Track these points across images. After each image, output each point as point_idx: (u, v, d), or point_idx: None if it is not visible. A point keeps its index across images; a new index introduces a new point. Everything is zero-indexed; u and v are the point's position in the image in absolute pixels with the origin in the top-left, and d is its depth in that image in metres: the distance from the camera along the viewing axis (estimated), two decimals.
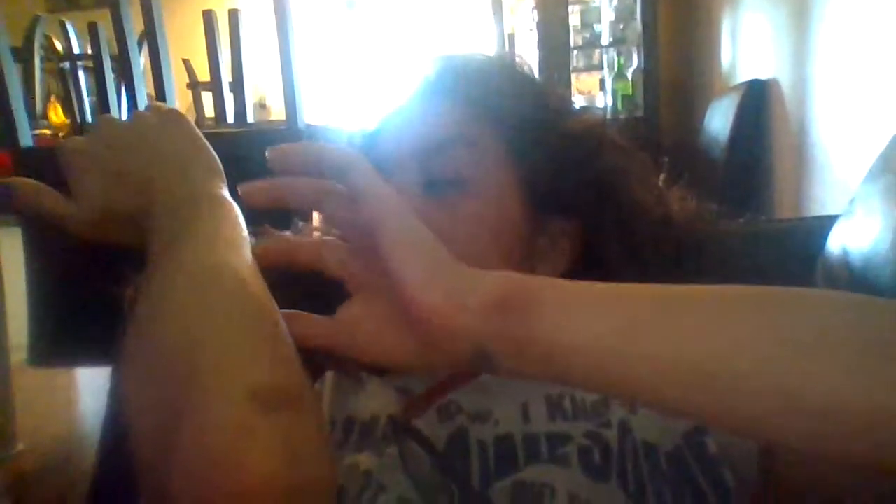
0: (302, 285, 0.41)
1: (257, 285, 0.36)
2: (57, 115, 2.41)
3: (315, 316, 0.37)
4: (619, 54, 3.08)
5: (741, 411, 0.28)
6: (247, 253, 0.38)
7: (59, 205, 0.45)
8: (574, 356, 0.30)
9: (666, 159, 0.68)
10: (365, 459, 0.46)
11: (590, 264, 0.56)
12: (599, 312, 0.31)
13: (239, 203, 0.41)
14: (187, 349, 0.32)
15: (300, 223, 0.66)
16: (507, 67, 0.63)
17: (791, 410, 0.27)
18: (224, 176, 0.45)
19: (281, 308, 0.36)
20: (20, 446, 1.93)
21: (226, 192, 0.43)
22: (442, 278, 0.33)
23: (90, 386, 2.46)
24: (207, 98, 2.77)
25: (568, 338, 0.30)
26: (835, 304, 0.31)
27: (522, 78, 0.63)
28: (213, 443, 0.29)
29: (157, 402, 0.32)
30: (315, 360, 0.36)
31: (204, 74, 2.44)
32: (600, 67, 3.30)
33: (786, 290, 0.30)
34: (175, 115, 0.47)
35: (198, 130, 0.46)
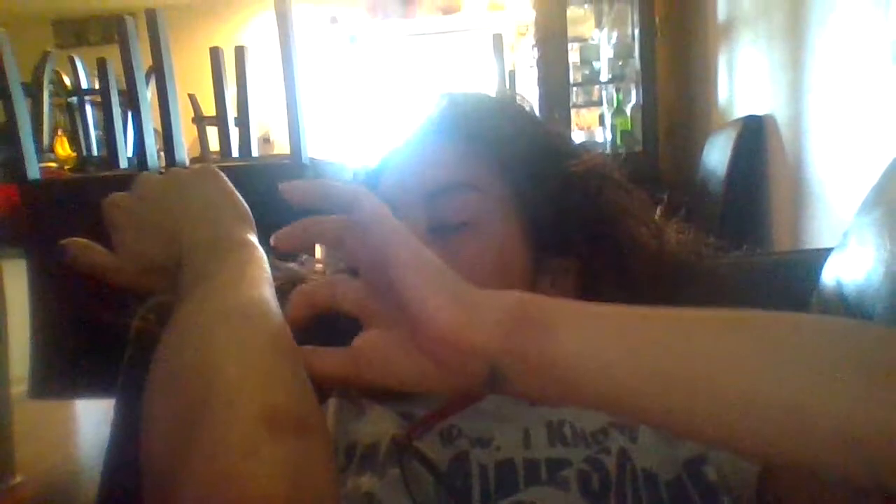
0: (320, 323, 0.41)
1: (276, 320, 0.37)
2: (63, 148, 2.44)
3: (332, 349, 0.38)
4: (617, 90, 3.12)
5: (752, 431, 0.29)
6: (268, 291, 0.39)
7: (104, 259, 0.47)
8: (588, 375, 0.31)
9: (666, 194, 0.69)
10: (367, 482, 0.46)
11: (587, 299, 0.56)
12: (613, 333, 0.32)
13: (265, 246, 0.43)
14: (203, 371, 0.33)
15: (304, 256, 0.67)
16: (510, 109, 0.64)
17: (801, 430, 0.28)
18: (253, 223, 0.46)
19: (300, 344, 0.37)
20: (19, 478, 1.91)
21: (253, 238, 0.44)
22: (454, 298, 0.34)
23: (90, 419, 2.45)
24: (212, 132, 2.80)
25: (582, 357, 0.31)
26: (843, 329, 0.32)
27: (527, 119, 0.64)
28: (222, 462, 0.29)
29: (172, 416, 0.33)
30: (318, 386, 0.37)
31: (209, 109, 2.47)
32: (599, 103, 3.34)
33: (793, 315, 0.31)
34: (207, 169, 0.49)
35: (228, 182, 0.49)
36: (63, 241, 0.47)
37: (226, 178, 0.49)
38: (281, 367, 0.35)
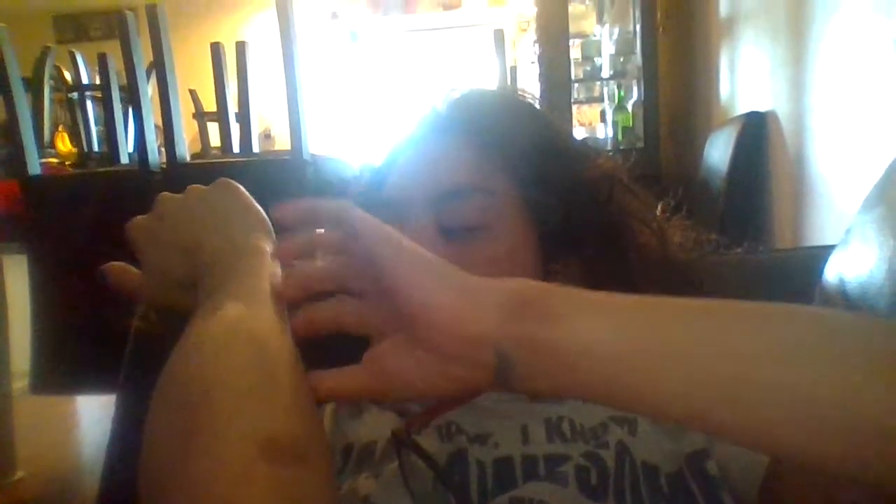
0: (327, 343, 0.42)
1: (282, 341, 0.37)
2: (64, 144, 2.44)
3: (346, 368, 0.38)
4: (619, 87, 3.12)
5: (761, 422, 0.28)
6: (278, 308, 0.39)
7: (135, 279, 0.49)
8: (596, 363, 0.31)
9: (670, 193, 0.69)
10: (363, 483, 0.46)
11: None
12: (621, 321, 0.31)
13: None
14: (202, 393, 0.33)
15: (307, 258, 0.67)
16: (520, 108, 0.64)
17: (810, 422, 0.27)
18: (271, 231, 0.47)
19: (311, 365, 0.38)
20: (20, 473, 1.92)
21: (267, 246, 0.45)
22: (454, 287, 0.33)
23: (91, 414, 2.45)
24: (213, 128, 2.80)
25: (590, 345, 0.31)
26: (852, 322, 0.32)
27: (537, 119, 0.63)
28: (216, 488, 0.29)
29: (171, 434, 0.32)
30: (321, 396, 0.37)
31: (210, 105, 2.47)
32: (601, 99, 3.34)
33: (802, 307, 0.31)
34: (224, 183, 0.50)
35: (246, 193, 0.50)
36: (102, 266, 0.49)
37: (243, 190, 0.50)
38: (282, 392, 0.34)
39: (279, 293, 0.40)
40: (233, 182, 0.50)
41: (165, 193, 0.50)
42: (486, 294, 0.33)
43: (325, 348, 0.39)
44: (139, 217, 0.50)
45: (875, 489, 0.30)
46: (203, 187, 0.50)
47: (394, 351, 0.36)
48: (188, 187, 0.50)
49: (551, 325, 0.31)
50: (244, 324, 0.37)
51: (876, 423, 0.27)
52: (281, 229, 0.45)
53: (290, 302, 0.40)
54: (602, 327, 0.31)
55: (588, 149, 0.65)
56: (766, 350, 0.29)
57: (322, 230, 0.44)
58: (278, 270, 0.43)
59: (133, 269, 0.49)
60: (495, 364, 0.32)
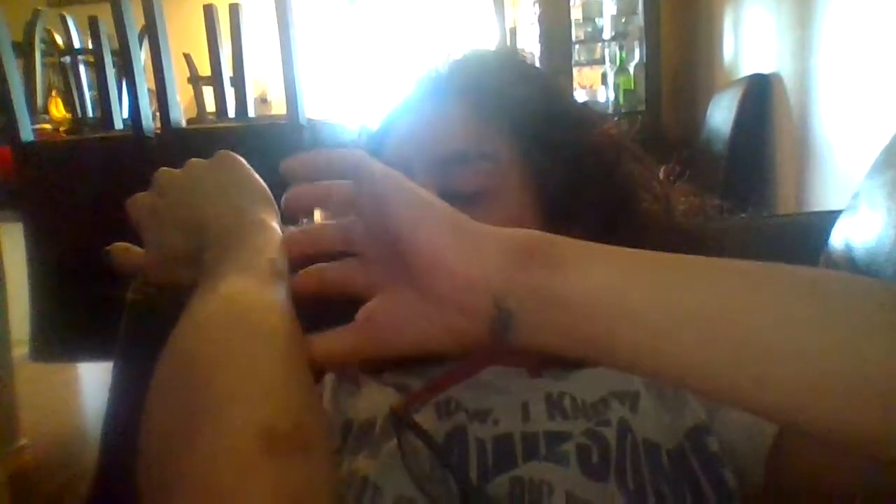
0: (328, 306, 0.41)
1: (283, 318, 0.36)
2: (58, 109, 2.41)
3: (333, 330, 0.37)
4: (620, 48, 3.08)
5: (772, 382, 0.28)
6: (280, 284, 0.39)
7: (139, 258, 0.48)
8: (601, 311, 0.30)
9: (673, 157, 0.68)
10: (363, 464, 0.45)
11: None
12: (626, 274, 0.31)
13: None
14: (205, 369, 0.32)
15: (304, 220, 0.67)
16: (522, 70, 0.62)
17: (822, 385, 0.27)
18: (273, 203, 0.46)
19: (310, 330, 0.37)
20: (22, 441, 1.94)
21: (270, 218, 0.44)
22: (456, 231, 0.33)
23: (92, 381, 2.47)
24: (209, 92, 2.76)
25: (596, 293, 0.30)
26: (867, 285, 0.31)
27: (540, 83, 0.61)
28: (217, 478, 0.28)
29: (172, 417, 0.32)
30: (318, 367, 0.36)
31: (205, 69, 2.43)
32: (602, 62, 3.29)
33: (816, 269, 0.31)
34: (225, 155, 0.49)
35: (247, 166, 0.49)
36: (106, 248, 0.49)
37: (244, 162, 0.49)
38: (283, 379, 0.33)
39: (288, 246, 0.40)
40: (233, 154, 0.49)
41: (165, 168, 0.49)
42: (490, 241, 0.32)
43: (327, 319, 0.39)
44: (139, 194, 0.49)
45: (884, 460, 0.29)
46: (203, 161, 0.49)
47: (390, 303, 0.35)
48: (188, 161, 0.49)
49: (557, 275, 0.31)
50: (245, 302, 0.36)
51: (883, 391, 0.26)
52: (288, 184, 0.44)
53: (295, 260, 0.40)
54: (611, 280, 0.30)
55: (594, 114, 0.64)
56: (779, 311, 0.28)
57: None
58: (282, 247, 0.42)
59: (135, 248, 0.48)
60: (493, 315, 0.31)
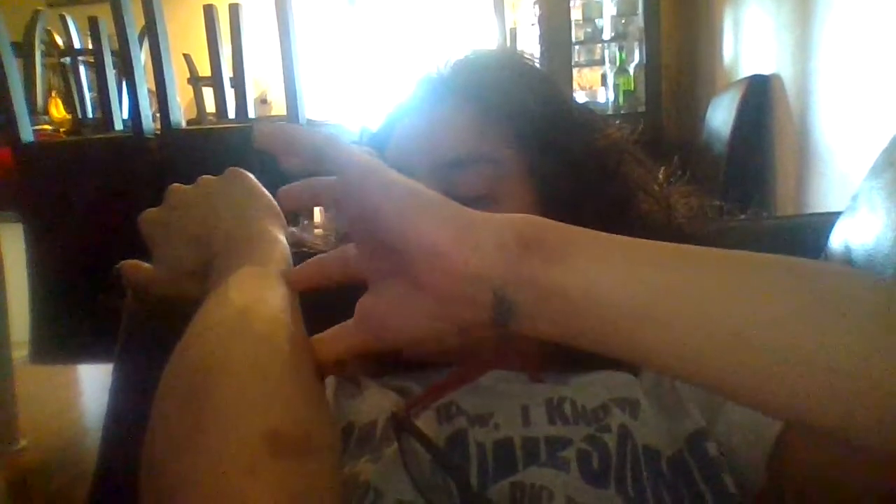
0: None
1: (290, 325, 0.36)
2: (58, 110, 2.41)
3: (332, 328, 0.37)
4: (620, 49, 3.08)
5: (770, 376, 0.28)
6: (285, 291, 0.39)
7: (149, 273, 0.49)
8: (595, 307, 0.30)
9: (674, 159, 0.67)
10: (364, 468, 0.45)
11: None
12: (626, 263, 0.30)
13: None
14: (211, 376, 0.32)
15: (304, 221, 0.67)
16: (525, 72, 0.61)
17: (826, 382, 0.27)
18: (280, 216, 0.47)
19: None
20: (22, 443, 1.94)
21: (276, 230, 0.45)
22: (451, 222, 0.32)
23: (92, 383, 2.47)
24: (208, 93, 2.76)
25: (596, 283, 0.30)
26: (862, 278, 0.31)
27: (543, 85, 0.61)
28: (222, 479, 0.28)
29: (178, 419, 0.32)
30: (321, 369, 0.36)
31: (205, 70, 2.43)
32: (602, 62, 3.29)
33: (812, 261, 0.30)
34: (234, 172, 0.50)
35: (255, 181, 0.50)
36: (117, 266, 0.50)
37: (253, 178, 0.50)
38: (290, 384, 0.33)
39: (294, 286, 0.40)
40: (242, 171, 0.51)
41: (176, 185, 0.51)
42: (486, 231, 0.32)
43: (332, 321, 0.39)
44: (150, 210, 0.50)
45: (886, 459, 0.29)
46: (213, 177, 0.50)
47: (387, 295, 0.35)
48: (199, 178, 0.50)
49: (554, 266, 0.30)
50: (252, 310, 0.36)
51: (887, 390, 0.26)
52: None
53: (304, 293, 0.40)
54: (607, 270, 0.30)
55: (595, 116, 0.64)
56: (782, 303, 0.28)
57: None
58: (288, 255, 0.43)
59: (144, 265, 0.49)
60: (494, 304, 0.31)
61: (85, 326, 1.54)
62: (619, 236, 0.32)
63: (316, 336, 0.37)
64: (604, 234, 0.32)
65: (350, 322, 0.36)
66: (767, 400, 0.29)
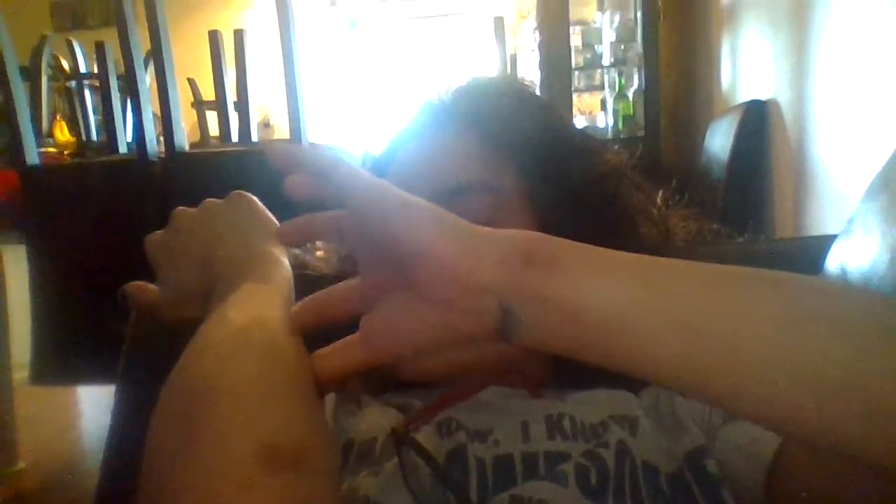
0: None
1: (289, 344, 0.37)
2: (63, 133, 2.43)
3: (333, 345, 0.37)
4: (620, 74, 3.10)
5: (770, 393, 0.28)
6: (286, 310, 0.39)
7: (153, 295, 0.49)
8: (595, 322, 0.30)
9: (673, 183, 0.68)
10: (363, 483, 0.46)
11: None
12: (624, 277, 0.31)
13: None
14: (209, 395, 0.33)
15: (308, 244, 0.67)
16: (525, 99, 0.62)
17: (822, 396, 0.27)
18: None
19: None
20: (21, 464, 1.92)
21: (278, 251, 0.46)
22: (454, 236, 0.33)
23: (92, 405, 2.46)
24: (212, 117, 2.78)
25: (591, 299, 0.30)
26: (868, 298, 0.32)
27: (544, 113, 0.62)
28: (217, 492, 0.29)
29: (174, 434, 0.32)
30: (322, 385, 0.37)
31: (209, 94, 2.46)
32: (601, 87, 3.32)
33: (806, 276, 0.31)
34: (238, 195, 0.51)
35: (259, 204, 0.51)
36: (122, 287, 0.50)
37: (257, 201, 0.51)
38: (288, 400, 0.34)
39: (300, 323, 0.39)
40: (246, 194, 0.51)
41: (181, 208, 0.51)
42: (488, 246, 0.33)
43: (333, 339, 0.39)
44: (156, 232, 0.51)
45: (881, 472, 0.30)
46: (218, 200, 0.51)
47: (392, 309, 0.35)
48: (204, 201, 0.51)
49: (554, 279, 0.31)
50: (252, 330, 0.36)
51: (878, 401, 0.27)
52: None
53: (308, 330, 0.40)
54: (604, 283, 0.31)
55: (595, 142, 0.64)
56: (782, 319, 0.29)
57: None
58: (290, 277, 0.44)
59: (150, 286, 0.50)
60: (499, 316, 0.32)
61: (85, 348, 1.54)
62: (618, 252, 0.33)
63: (316, 352, 0.37)
64: (599, 248, 0.33)
65: (350, 338, 0.37)
66: (763, 412, 0.29)
